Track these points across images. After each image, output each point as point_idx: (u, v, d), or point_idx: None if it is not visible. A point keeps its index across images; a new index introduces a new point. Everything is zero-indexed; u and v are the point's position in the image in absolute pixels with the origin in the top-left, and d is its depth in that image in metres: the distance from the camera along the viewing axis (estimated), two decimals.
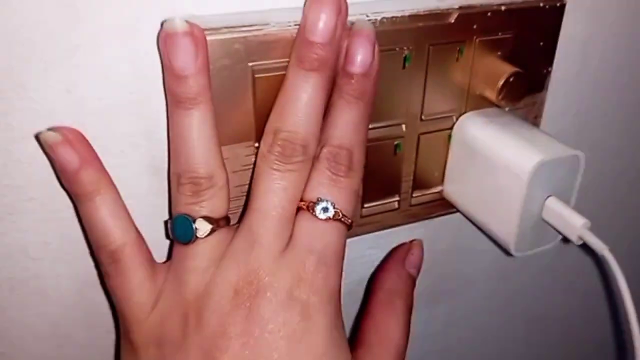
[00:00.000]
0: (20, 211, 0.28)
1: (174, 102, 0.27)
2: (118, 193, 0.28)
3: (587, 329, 0.57)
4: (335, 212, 0.28)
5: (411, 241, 0.39)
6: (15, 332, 0.31)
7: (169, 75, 0.26)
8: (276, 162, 0.27)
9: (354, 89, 0.28)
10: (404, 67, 0.32)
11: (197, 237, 0.27)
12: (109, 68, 0.26)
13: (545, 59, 0.36)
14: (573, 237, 0.30)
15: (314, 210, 0.28)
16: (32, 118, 0.26)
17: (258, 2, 0.28)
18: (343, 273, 0.29)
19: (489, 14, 0.32)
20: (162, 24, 0.26)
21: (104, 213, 0.27)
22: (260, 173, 0.28)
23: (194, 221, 0.27)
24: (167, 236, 0.31)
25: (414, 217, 0.38)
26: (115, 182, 0.28)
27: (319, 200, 0.28)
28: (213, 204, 0.28)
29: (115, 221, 0.28)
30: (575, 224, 0.30)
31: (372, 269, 0.39)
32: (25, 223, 0.28)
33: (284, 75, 0.28)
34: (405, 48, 0.31)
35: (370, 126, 0.33)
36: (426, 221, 0.39)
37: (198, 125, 0.27)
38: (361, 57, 0.27)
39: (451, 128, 0.35)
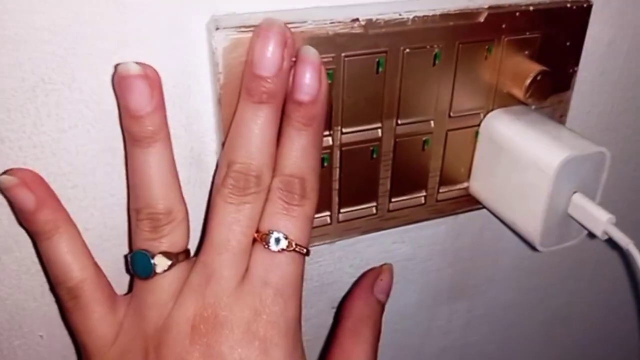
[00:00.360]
0: (65, 197, 0.29)
1: (131, 140, 0.27)
2: (77, 230, 0.29)
3: (611, 325, 0.58)
4: (289, 242, 0.28)
5: (381, 266, 0.39)
6: (54, 316, 0.33)
7: (125, 115, 0.27)
8: (230, 194, 0.27)
9: (302, 116, 0.28)
10: (434, 64, 0.33)
11: (155, 273, 0.28)
12: (154, 62, 0.27)
13: (572, 59, 0.37)
14: (598, 232, 0.31)
15: (267, 242, 0.28)
16: (80, 108, 0.27)
17: (297, 1, 0.29)
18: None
19: (517, 13, 0.33)
20: (115, 67, 0.26)
21: (62, 250, 0.28)
22: (214, 206, 0.28)
23: (153, 257, 0.27)
24: (127, 270, 0.32)
25: (440, 212, 0.39)
26: None
27: (272, 231, 0.28)
28: (172, 238, 0.28)
29: (74, 258, 0.28)
30: (601, 219, 0.31)
31: (396, 263, 0.40)
32: (69, 209, 0.30)
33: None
34: (435, 46, 0.32)
35: (400, 122, 0.34)
36: (452, 217, 0.40)
37: (155, 162, 0.27)
38: (307, 83, 0.27)
39: (479, 125, 0.36)
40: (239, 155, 0.27)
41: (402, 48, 0.32)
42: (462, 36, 0.33)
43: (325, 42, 0.29)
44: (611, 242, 0.31)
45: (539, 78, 0.33)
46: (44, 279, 0.31)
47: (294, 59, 0.28)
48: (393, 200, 0.36)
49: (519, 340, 0.53)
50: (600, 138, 0.43)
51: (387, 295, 0.37)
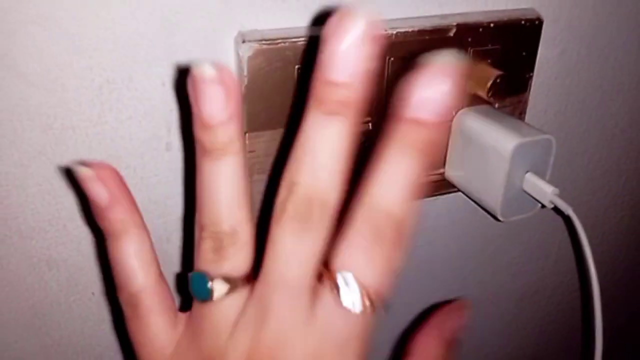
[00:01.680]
0: None
1: (201, 150, 0.25)
2: (147, 236, 0.27)
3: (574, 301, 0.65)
4: (364, 293, 0.23)
5: (453, 302, 0.34)
6: (104, 275, 0.40)
7: (197, 122, 0.24)
8: (289, 222, 0.23)
9: (421, 140, 0.22)
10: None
11: (212, 298, 0.25)
12: (193, 67, 0.35)
13: (527, 66, 0.45)
14: (546, 202, 0.39)
15: (338, 290, 0.23)
16: (135, 103, 0.35)
17: (305, 17, 0.37)
18: None
19: (480, 29, 0.41)
20: (190, 69, 0.24)
21: (128, 254, 0.27)
22: (273, 236, 0.24)
23: (212, 280, 0.25)
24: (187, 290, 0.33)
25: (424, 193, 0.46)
26: (192, 157, 0.37)
27: (344, 275, 0.23)
28: (234, 262, 0.25)
29: (139, 263, 0.27)
30: (547, 191, 0.38)
31: None
32: None
33: None
34: (414, 56, 0.40)
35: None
36: (431, 199, 0.47)
37: (225, 177, 0.24)
38: (434, 99, 0.22)
39: (451, 120, 0.44)
40: (302, 176, 0.23)
41: (387, 57, 0.39)
42: (436, 48, 0.40)
43: None
44: (558, 212, 0.39)
45: (498, 81, 0.41)
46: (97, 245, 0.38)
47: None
48: None
49: (490, 314, 0.61)
50: (557, 134, 0.51)
51: (460, 332, 0.33)
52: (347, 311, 0.23)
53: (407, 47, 0.39)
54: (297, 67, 0.37)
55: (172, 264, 0.41)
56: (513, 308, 0.62)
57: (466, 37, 0.41)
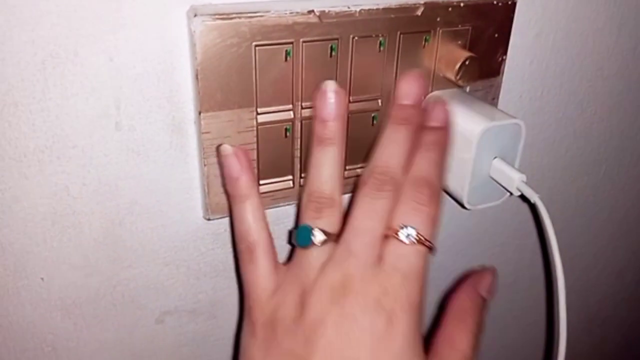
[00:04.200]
0: (67, 156, 0.35)
1: (317, 139, 0.35)
2: (261, 201, 0.36)
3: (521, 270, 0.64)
4: (418, 237, 0.33)
5: (483, 268, 0.43)
6: (54, 261, 0.38)
7: (316, 120, 0.36)
8: (371, 190, 0.34)
9: (434, 138, 0.36)
10: (379, 50, 0.39)
11: (313, 244, 0.34)
12: (144, 43, 0.33)
13: (500, 48, 0.43)
14: (512, 189, 0.37)
15: (399, 235, 0.33)
16: (81, 79, 0.33)
17: None
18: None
19: (449, 9, 0.39)
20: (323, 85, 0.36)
21: (250, 214, 0.35)
22: (359, 198, 0.34)
23: (313, 230, 0.34)
24: (289, 242, 0.40)
25: None
26: (144, 137, 0.35)
27: (404, 226, 0.33)
28: (330, 220, 0.34)
29: (257, 222, 0.36)
30: (514, 178, 0.37)
31: None
32: (70, 167, 0.35)
33: (278, 52, 0.35)
34: (380, 35, 0.38)
35: (351, 99, 0.40)
36: None
37: (330, 158, 0.35)
38: (436, 115, 0.37)
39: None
40: (382, 161, 0.35)
41: (351, 36, 0.38)
42: (403, 27, 0.39)
43: (286, 29, 0.35)
44: (525, 200, 0.37)
45: (467, 63, 0.40)
46: (46, 227, 0.37)
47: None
48: (347, 168, 0.42)
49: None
50: (532, 121, 0.50)
51: (490, 294, 0.41)
52: (407, 248, 0.33)
53: (372, 25, 0.38)
54: (254, 44, 0.35)
55: (125, 249, 0.39)
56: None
57: (435, 16, 0.39)
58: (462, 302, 0.39)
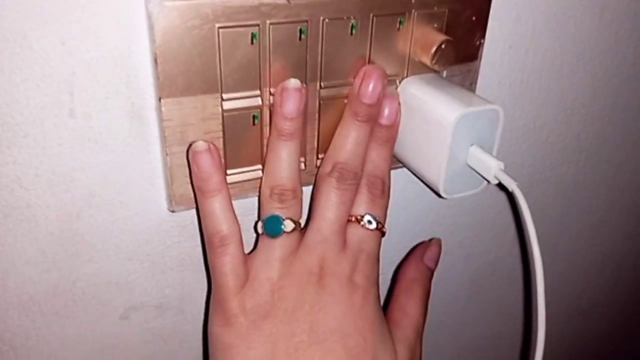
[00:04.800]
0: (17, 145, 0.33)
1: (277, 132, 0.36)
2: (230, 197, 0.36)
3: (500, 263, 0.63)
4: (378, 223, 0.38)
5: (430, 240, 0.49)
6: (8, 256, 0.36)
7: (278, 114, 0.36)
8: (336, 183, 0.37)
9: (384, 135, 0.39)
10: (351, 34, 0.37)
11: (284, 232, 0.36)
12: (98, 25, 0.31)
13: (478, 32, 0.41)
14: (490, 177, 0.36)
15: (362, 222, 0.38)
16: (30, 64, 0.31)
17: None
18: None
19: None
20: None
21: (220, 207, 0.35)
22: (323, 191, 0.38)
23: (283, 220, 0.36)
24: (255, 230, 0.39)
25: None
26: (101, 125, 0.33)
27: (367, 214, 0.38)
28: (294, 210, 0.37)
29: (227, 214, 0.36)
30: (491, 165, 0.35)
31: None
32: (21, 157, 0.33)
33: (244, 34, 0.33)
34: (351, 17, 0.36)
35: (322, 85, 0.38)
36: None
37: (292, 152, 0.36)
38: (389, 114, 0.39)
39: (396, 89, 0.40)
40: (342, 157, 0.37)
41: (322, 18, 0.36)
42: (376, 9, 0.37)
43: (251, 11, 0.33)
44: (501, 186, 0.36)
45: (443, 47, 0.38)
46: None
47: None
48: (320, 156, 0.41)
49: (447, 294, 0.58)
50: (512, 107, 0.48)
51: (436, 263, 0.47)
52: (369, 233, 0.38)
53: (343, 7, 0.36)
54: (217, 25, 0.33)
55: (84, 243, 0.37)
56: (467, 291, 0.59)
57: None
58: (411, 273, 0.45)
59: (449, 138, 0.36)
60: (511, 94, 0.48)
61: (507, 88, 0.47)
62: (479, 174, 0.37)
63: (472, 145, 0.37)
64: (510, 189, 0.35)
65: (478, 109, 0.36)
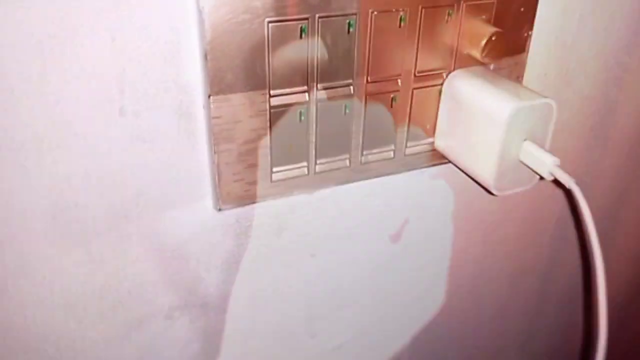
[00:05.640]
0: (67, 145, 0.32)
1: None
2: None
3: (569, 276, 0.62)
4: None
5: None
6: (55, 257, 0.36)
7: None
8: None
9: None
10: (399, 26, 0.36)
11: None
12: (148, 20, 0.31)
13: (526, 23, 0.40)
14: (545, 174, 0.35)
15: None
16: (81, 61, 0.30)
17: None
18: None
19: None
20: None
21: None
22: None
23: None
24: None
25: (409, 166, 0.42)
26: (150, 124, 0.33)
27: None
28: None
29: None
30: (546, 162, 0.35)
31: (370, 215, 0.44)
32: (70, 156, 0.33)
33: (293, 29, 0.33)
34: (400, 9, 0.36)
35: (370, 79, 0.37)
36: (418, 171, 0.43)
37: None
38: None
39: (441, 84, 0.39)
40: None
41: (370, 10, 0.35)
42: (425, 1, 0.36)
43: (301, 4, 0.33)
44: (557, 183, 0.35)
45: (493, 39, 0.37)
46: (47, 222, 0.34)
47: None
48: (364, 153, 0.40)
49: (483, 295, 0.57)
50: (557, 99, 0.47)
51: None
52: None
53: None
54: (267, 20, 0.33)
55: (131, 243, 0.37)
56: (507, 287, 0.58)
57: None
58: None
59: (502, 133, 0.35)
60: (556, 86, 0.47)
61: (552, 80, 0.46)
62: (532, 170, 0.36)
63: (524, 140, 0.36)
64: (567, 186, 0.34)
65: (532, 103, 0.35)
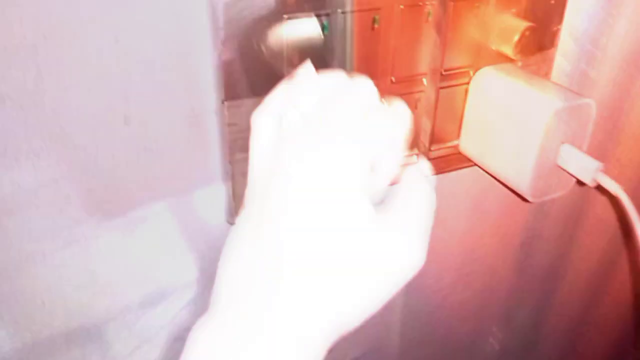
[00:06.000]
0: (67, 159, 0.29)
1: None
2: None
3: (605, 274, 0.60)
4: None
5: None
6: (54, 281, 0.32)
7: None
8: None
9: None
10: (427, 20, 0.33)
11: None
12: (155, 19, 0.27)
13: (556, 17, 0.38)
14: (588, 180, 0.32)
15: None
16: (82, 65, 0.27)
17: None
18: None
19: None
20: None
21: None
22: None
23: None
24: None
25: (433, 170, 0.39)
26: (158, 133, 0.30)
27: None
28: None
29: None
30: (590, 167, 0.32)
31: None
32: (71, 172, 0.29)
33: (314, 25, 0.30)
34: (428, 3, 0.33)
35: (393, 79, 0.34)
36: (446, 174, 0.41)
37: None
38: None
39: (468, 83, 0.37)
40: None
41: (396, 4, 0.32)
42: None
43: None
44: (601, 189, 0.32)
45: (527, 34, 0.34)
46: (45, 243, 0.31)
47: None
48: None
49: (517, 289, 0.55)
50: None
51: None
52: None
53: None
54: (286, 16, 0.29)
55: (138, 262, 0.34)
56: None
57: None
58: None
59: (540, 136, 0.32)
60: (582, 81, 0.44)
61: (578, 76, 0.44)
62: (572, 175, 0.33)
63: (562, 143, 0.33)
64: (613, 193, 0.31)
65: (573, 104, 0.32)
